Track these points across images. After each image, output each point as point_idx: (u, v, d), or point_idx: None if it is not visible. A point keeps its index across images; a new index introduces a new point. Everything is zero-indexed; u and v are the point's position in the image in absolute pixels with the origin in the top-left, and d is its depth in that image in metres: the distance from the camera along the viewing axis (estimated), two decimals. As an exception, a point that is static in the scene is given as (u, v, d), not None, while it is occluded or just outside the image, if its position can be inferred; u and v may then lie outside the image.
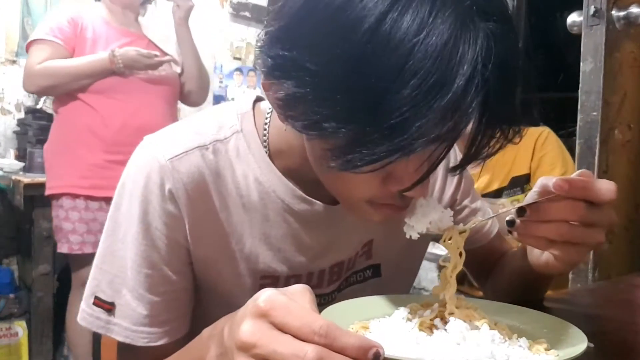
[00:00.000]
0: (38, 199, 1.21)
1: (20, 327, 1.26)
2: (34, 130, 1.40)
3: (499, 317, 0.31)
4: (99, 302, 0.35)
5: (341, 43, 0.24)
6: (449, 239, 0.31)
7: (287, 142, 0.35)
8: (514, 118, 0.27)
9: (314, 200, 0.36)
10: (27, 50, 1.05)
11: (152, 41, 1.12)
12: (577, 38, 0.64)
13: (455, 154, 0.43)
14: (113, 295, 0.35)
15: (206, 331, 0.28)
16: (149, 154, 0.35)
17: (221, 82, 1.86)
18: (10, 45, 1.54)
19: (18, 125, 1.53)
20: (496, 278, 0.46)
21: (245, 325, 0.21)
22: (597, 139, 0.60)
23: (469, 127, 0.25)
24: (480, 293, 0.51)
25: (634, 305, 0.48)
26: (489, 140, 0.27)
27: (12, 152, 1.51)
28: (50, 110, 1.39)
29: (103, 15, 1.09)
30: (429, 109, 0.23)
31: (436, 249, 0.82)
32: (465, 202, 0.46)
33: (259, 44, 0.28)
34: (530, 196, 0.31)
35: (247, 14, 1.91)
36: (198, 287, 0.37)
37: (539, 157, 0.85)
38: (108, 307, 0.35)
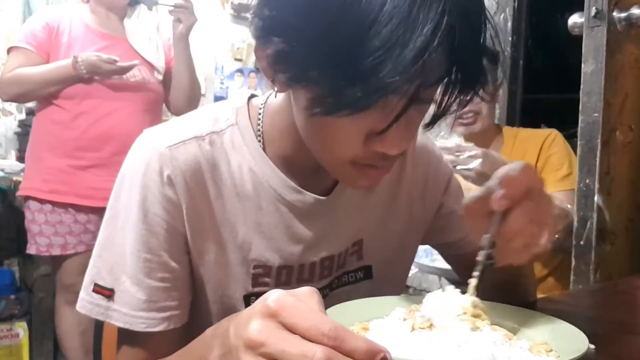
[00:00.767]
0: (39, 200, 1.21)
1: (21, 328, 1.26)
2: (35, 131, 1.40)
3: (500, 318, 0.31)
4: (98, 289, 0.35)
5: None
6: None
7: (279, 128, 0.37)
8: (481, 69, 0.29)
9: (305, 191, 0.37)
10: (8, 53, 1.06)
11: (133, 46, 1.07)
12: (579, 39, 0.64)
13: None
14: (112, 282, 0.35)
15: (209, 331, 0.28)
16: (148, 143, 0.36)
17: (222, 83, 1.86)
18: (20, 38, 1.55)
19: (19, 126, 1.53)
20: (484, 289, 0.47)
21: (254, 324, 0.21)
22: (599, 140, 0.60)
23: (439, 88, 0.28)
24: None
25: (635, 307, 0.48)
26: (460, 92, 0.29)
27: (13, 153, 1.51)
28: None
29: (84, 18, 1.06)
30: (401, 53, 0.25)
31: (439, 262, 0.82)
32: (453, 207, 0.46)
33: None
34: (471, 196, 0.32)
35: (248, 15, 1.91)
36: (194, 276, 0.37)
37: (546, 157, 0.85)
38: (108, 294, 0.35)
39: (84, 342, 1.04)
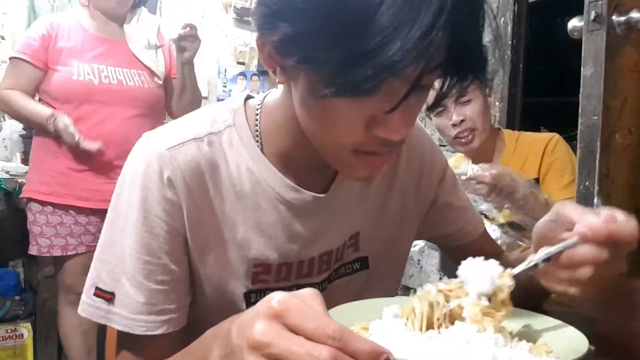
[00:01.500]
0: (44, 202, 1.22)
1: (25, 329, 1.27)
2: (39, 134, 1.41)
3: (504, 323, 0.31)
4: (99, 293, 0.36)
5: None
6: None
7: (277, 124, 0.37)
8: (480, 53, 0.30)
9: (302, 189, 0.38)
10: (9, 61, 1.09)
11: (132, 51, 1.08)
12: (579, 43, 0.64)
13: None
14: (113, 285, 0.35)
15: (210, 332, 0.28)
16: (148, 146, 0.36)
17: (225, 86, 1.87)
18: (17, 48, 1.56)
19: (24, 129, 1.55)
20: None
21: (258, 324, 0.21)
22: (598, 143, 0.60)
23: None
24: None
25: (635, 308, 0.49)
26: (460, 75, 0.30)
27: (18, 156, 1.53)
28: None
29: (83, 23, 1.07)
30: (409, 32, 0.26)
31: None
32: (449, 199, 0.46)
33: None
34: (543, 223, 0.31)
35: (250, 19, 1.92)
36: (193, 276, 0.38)
37: (548, 163, 0.84)
38: (108, 297, 0.35)
39: (86, 343, 1.05)
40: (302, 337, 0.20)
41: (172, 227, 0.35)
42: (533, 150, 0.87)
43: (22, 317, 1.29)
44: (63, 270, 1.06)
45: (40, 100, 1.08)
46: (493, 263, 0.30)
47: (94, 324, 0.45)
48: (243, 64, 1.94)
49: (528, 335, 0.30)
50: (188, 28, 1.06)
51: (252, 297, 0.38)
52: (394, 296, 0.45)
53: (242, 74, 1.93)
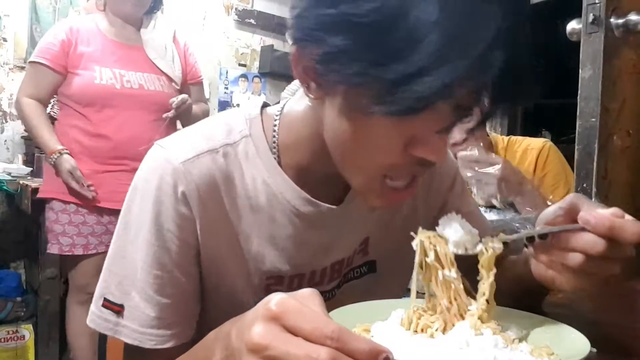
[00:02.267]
0: (45, 204, 1.23)
1: (26, 331, 1.27)
2: (41, 136, 1.42)
3: (501, 321, 0.31)
4: (108, 304, 0.35)
5: None
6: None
7: (297, 137, 0.37)
8: (533, 76, 0.29)
9: (319, 202, 0.38)
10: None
11: (149, 57, 1.11)
12: (577, 45, 0.64)
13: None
14: (122, 297, 0.35)
15: (211, 334, 0.28)
16: (162, 157, 0.36)
17: (226, 88, 1.88)
18: (19, 52, 1.57)
19: (26, 130, 1.55)
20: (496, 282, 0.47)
21: (257, 327, 0.21)
22: (596, 145, 0.60)
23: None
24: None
25: (636, 310, 0.49)
26: (510, 98, 0.29)
27: (20, 157, 1.53)
28: (57, 116, 1.41)
29: (101, 28, 1.09)
30: (463, 54, 0.26)
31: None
32: (458, 205, 0.45)
33: (294, 13, 0.30)
34: (553, 210, 0.31)
35: (252, 21, 1.93)
36: (203, 287, 0.38)
37: (541, 176, 0.84)
38: (117, 309, 0.35)
39: (92, 343, 1.06)
40: (300, 338, 0.20)
41: (185, 241, 0.35)
42: (525, 160, 0.86)
43: (24, 318, 1.29)
44: (76, 269, 1.07)
45: (59, 102, 1.11)
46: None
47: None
48: (244, 65, 1.95)
49: (529, 337, 0.30)
50: (173, 109, 1.11)
51: None
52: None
53: (244, 75, 1.94)
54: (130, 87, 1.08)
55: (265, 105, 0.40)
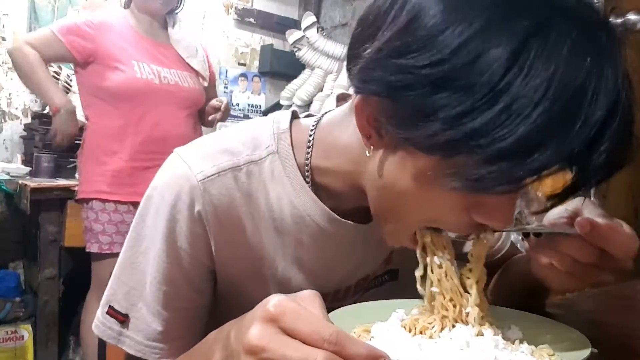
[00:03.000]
0: (44, 204, 1.22)
1: (25, 331, 1.27)
2: (40, 135, 1.41)
3: (501, 322, 0.31)
4: (112, 312, 0.35)
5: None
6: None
7: (334, 168, 0.34)
8: (628, 152, 0.25)
9: (348, 222, 0.35)
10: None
11: (182, 56, 1.14)
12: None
13: None
14: (128, 308, 0.35)
15: (211, 335, 0.28)
16: (180, 172, 0.34)
17: (226, 87, 1.87)
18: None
19: (25, 130, 1.55)
20: (497, 280, 0.46)
21: (254, 329, 0.21)
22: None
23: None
24: None
25: (636, 311, 0.49)
26: (602, 175, 0.25)
27: (18, 157, 1.52)
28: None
29: (132, 24, 1.11)
30: (558, 143, 0.23)
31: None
32: None
33: (361, 63, 0.26)
34: (558, 211, 0.30)
35: (252, 20, 1.93)
36: (219, 304, 0.37)
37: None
38: (121, 319, 0.35)
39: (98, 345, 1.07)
40: (298, 340, 0.20)
41: (198, 259, 0.34)
42: None
43: (23, 318, 1.29)
44: (100, 264, 1.08)
45: (90, 99, 1.10)
46: None
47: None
48: (244, 65, 1.94)
49: (529, 338, 0.30)
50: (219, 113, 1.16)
51: None
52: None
53: (243, 75, 1.93)
54: (167, 83, 1.10)
55: (295, 115, 0.37)
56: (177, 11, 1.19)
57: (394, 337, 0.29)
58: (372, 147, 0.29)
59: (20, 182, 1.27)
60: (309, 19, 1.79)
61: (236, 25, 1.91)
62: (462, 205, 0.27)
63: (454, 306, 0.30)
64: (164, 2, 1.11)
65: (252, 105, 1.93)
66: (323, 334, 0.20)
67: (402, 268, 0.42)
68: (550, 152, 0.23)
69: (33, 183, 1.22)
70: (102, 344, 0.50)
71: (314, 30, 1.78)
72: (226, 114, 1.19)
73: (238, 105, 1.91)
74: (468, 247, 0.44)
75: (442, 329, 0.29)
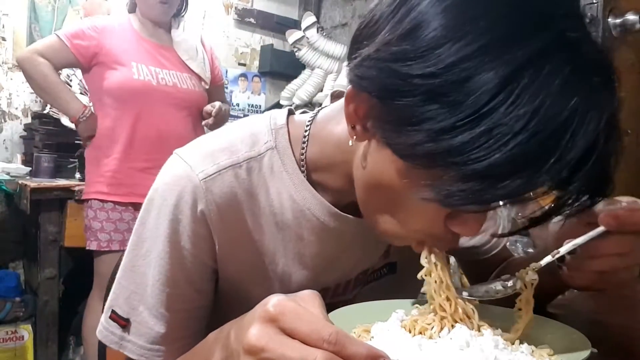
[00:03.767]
0: (44, 204, 1.22)
1: (25, 331, 1.27)
2: (40, 135, 1.41)
3: (501, 322, 0.31)
4: (115, 317, 0.35)
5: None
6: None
7: (328, 161, 0.34)
8: (608, 183, 0.26)
9: (348, 215, 0.35)
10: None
11: (182, 58, 1.16)
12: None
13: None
14: (129, 312, 0.35)
15: (212, 335, 0.28)
16: (182, 172, 0.34)
17: (226, 87, 1.87)
18: (17, 52, 1.57)
19: (25, 130, 1.55)
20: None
21: (253, 329, 0.21)
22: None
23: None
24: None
25: (637, 310, 0.49)
26: (575, 201, 0.25)
27: (18, 157, 1.52)
28: (57, 116, 1.41)
29: (135, 27, 1.13)
30: (540, 169, 0.23)
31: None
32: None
33: (358, 59, 0.26)
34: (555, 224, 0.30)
35: (252, 20, 1.93)
36: (220, 303, 0.37)
37: None
38: (123, 323, 0.35)
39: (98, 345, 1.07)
40: (297, 340, 0.20)
41: (200, 259, 0.34)
42: None
43: (23, 318, 1.29)
44: (101, 261, 1.09)
45: (95, 98, 1.12)
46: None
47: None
48: (244, 65, 1.95)
49: (529, 338, 0.30)
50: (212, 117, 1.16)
51: None
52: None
53: (243, 75, 1.93)
54: (165, 84, 1.10)
55: (291, 112, 0.37)
56: (182, 14, 1.20)
57: (394, 337, 0.29)
58: (354, 137, 0.29)
59: (20, 182, 1.27)
60: (309, 19, 1.79)
61: (236, 25, 1.91)
62: (440, 214, 0.28)
63: (448, 300, 0.30)
64: (165, 9, 1.13)
65: (252, 105, 1.93)
66: (322, 333, 0.20)
67: (400, 261, 0.42)
68: (520, 183, 0.23)
69: (33, 183, 1.22)
70: (102, 344, 0.50)
71: (314, 30, 1.78)
72: (219, 119, 1.17)
73: (238, 105, 1.91)
74: (464, 241, 0.45)
75: (441, 329, 0.29)
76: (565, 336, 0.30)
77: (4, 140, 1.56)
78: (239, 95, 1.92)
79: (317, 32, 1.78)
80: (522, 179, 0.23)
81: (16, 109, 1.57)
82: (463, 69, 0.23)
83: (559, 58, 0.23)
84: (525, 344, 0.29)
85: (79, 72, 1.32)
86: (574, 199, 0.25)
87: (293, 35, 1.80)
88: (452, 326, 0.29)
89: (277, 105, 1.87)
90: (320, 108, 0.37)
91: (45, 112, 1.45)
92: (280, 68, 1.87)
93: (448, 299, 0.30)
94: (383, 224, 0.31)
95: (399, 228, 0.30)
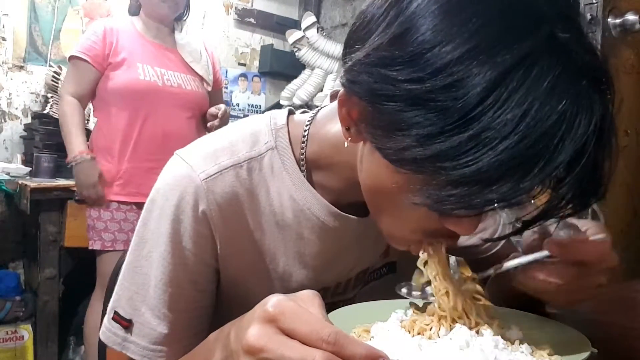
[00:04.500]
0: (44, 204, 1.22)
1: (25, 331, 1.27)
2: (40, 135, 1.41)
3: (501, 321, 0.31)
4: (117, 318, 0.35)
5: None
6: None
7: (327, 161, 0.34)
8: (600, 187, 0.25)
9: (348, 215, 0.36)
10: (68, 61, 1.14)
11: (186, 60, 1.17)
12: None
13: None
14: (131, 313, 0.35)
15: (212, 335, 0.28)
16: (182, 172, 0.34)
17: (226, 87, 1.87)
18: (17, 52, 1.57)
19: (25, 130, 1.55)
20: (497, 282, 0.46)
21: (253, 329, 0.21)
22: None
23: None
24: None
25: (636, 311, 0.49)
26: (567, 205, 0.25)
27: (18, 157, 1.52)
28: (57, 116, 1.41)
29: (138, 29, 1.14)
30: (529, 173, 0.22)
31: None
32: None
33: (358, 65, 0.26)
34: (528, 235, 0.30)
35: (252, 20, 1.93)
36: (222, 303, 0.37)
37: None
38: (125, 324, 0.35)
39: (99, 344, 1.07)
40: (296, 341, 0.20)
41: (202, 259, 0.34)
42: None
43: (23, 318, 1.29)
44: (103, 260, 1.10)
45: (98, 103, 1.13)
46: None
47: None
48: (244, 65, 1.95)
49: (529, 338, 0.30)
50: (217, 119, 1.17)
51: None
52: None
53: (243, 75, 1.93)
54: (170, 85, 1.12)
55: (291, 112, 0.37)
56: (184, 18, 1.22)
57: (394, 337, 0.29)
58: (349, 139, 0.29)
59: (20, 182, 1.27)
60: (309, 19, 1.79)
61: (236, 25, 1.91)
62: (434, 214, 0.27)
63: (447, 295, 0.30)
64: (171, 7, 1.13)
65: (252, 106, 1.93)
66: (321, 334, 0.20)
67: (399, 260, 0.42)
68: (509, 187, 0.23)
69: (33, 183, 1.22)
70: (102, 344, 0.50)
71: (314, 30, 1.78)
72: (224, 121, 1.20)
73: (238, 105, 1.91)
74: (463, 240, 0.45)
75: (439, 328, 0.29)
76: (565, 336, 0.30)
77: (4, 140, 1.56)
78: (239, 95, 1.92)
79: (317, 32, 1.78)
80: (511, 183, 0.23)
81: (16, 109, 1.57)
82: (450, 74, 0.23)
83: (548, 61, 0.23)
84: (526, 344, 0.29)
85: None
86: (565, 202, 0.24)
87: (293, 35, 1.80)
88: (451, 326, 0.29)
89: (277, 105, 1.87)
90: (320, 107, 0.37)
91: (45, 112, 1.46)
92: (280, 68, 1.87)
93: (447, 293, 0.30)
94: (384, 225, 0.31)
95: (397, 229, 0.30)
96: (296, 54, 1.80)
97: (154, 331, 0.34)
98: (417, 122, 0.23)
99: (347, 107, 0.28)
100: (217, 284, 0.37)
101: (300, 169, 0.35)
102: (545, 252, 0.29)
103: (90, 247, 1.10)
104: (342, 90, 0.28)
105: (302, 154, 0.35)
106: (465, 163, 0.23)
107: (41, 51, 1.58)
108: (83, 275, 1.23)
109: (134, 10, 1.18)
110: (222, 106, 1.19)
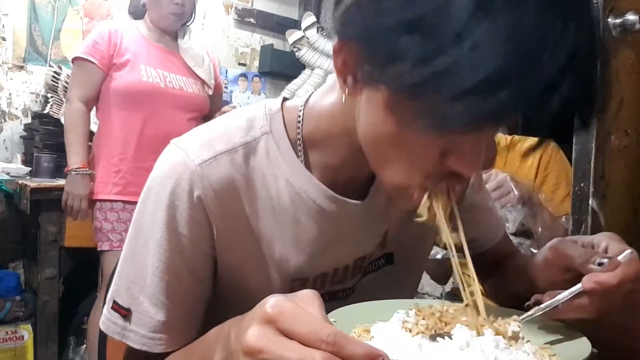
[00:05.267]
0: (44, 204, 1.22)
1: (25, 331, 1.27)
2: (40, 135, 1.41)
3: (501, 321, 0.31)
4: (116, 307, 0.35)
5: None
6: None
7: (325, 133, 0.34)
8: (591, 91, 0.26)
9: (344, 199, 0.36)
10: (72, 62, 1.14)
11: (188, 64, 1.18)
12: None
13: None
14: (130, 302, 0.35)
15: (213, 332, 0.28)
16: (178, 159, 0.34)
17: (226, 87, 1.87)
18: (17, 52, 1.57)
19: (25, 130, 1.55)
20: (499, 276, 0.46)
21: (252, 330, 0.21)
22: (593, 144, 0.60)
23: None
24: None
25: (637, 311, 0.49)
26: (565, 107, 0.25)
27: (18, 157, 1.52)
28: (57, 116, 1.41)
29: (143, 33, 1.16)
30: (524, 82, 0.23)
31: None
32: (477, 200, 0.44)
33: (343, 4, 0.27)
34: (542, 263, 0.32)
35: (252, 20, 1.93)
36: (219, 292, 0.37)
37: (543, 175, 0.83)
38: (124, 313, 0.35)
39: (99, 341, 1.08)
40: (295, 341, 0.20)
41: (199, 246, 0.34)
42: (526, 158, 0.85)
43: (23, 318, 1.29)
44: (109, 262, 1.11)
45: (101, 104, 1.14)
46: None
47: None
48: (244, 65, 1.94)
49: (530, 338, 0.30)
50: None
51: None
52: (412, 295, 0.45)
53: (243, 75, 1.93)
54: (172, 88, 1.14)
55: (284, 99, 0.37)
56: (188, 23, 1.23)
57: (394, 337, 0.29)
58: (346, 92, 0.30)
59: (20, 182, 1.27)
60: (309, 19, 1.79)
61: (236, 25, 1.90)
62: (436, 152, 0.28)
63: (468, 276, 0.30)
64: (177, 19, 1.15)
65: (252, 105, 1.94)
66: (321, 334, 0.20)
67: (397, 251, 0.42)
68: (508, 95, 0.23)
69: (33, 183, 1.22)
70: (102, 342, 0.50)
71: (314, 30, 1.78)
72: None
73: (239, 105, 1.91)
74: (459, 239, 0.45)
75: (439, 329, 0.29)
76: (565, 336, 0.30)
77: (4, 140, 1.56)
78: (239, 95, 1.92)
79: (317, 32, 1.78)
80: (509, 92, 0.23)
81: (16, 109, 1.57)
82: None
83: None
84: (528, 344, 0.29)
85: None
86: (563, 104, 0.24)
87: (293, 35, 1.80)
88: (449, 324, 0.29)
89: (277, 105, 1.86)
90: (312, 92, 0.37)
91: (45, 112, 1.45)
92: (280, 68, 1.87)
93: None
94: (388, 176, 0.31)
95: (400, 175, 0.30)
96: (296, 54, 1.80)
97: (153, 319, 0.34)
98: (413, 47, 0.24)
99: (343, 55, 0.29)
100: (215, 274, 0.37)
101: (296, 153, 0.35)
102: (578, 286, 0.30)
103: (98, 249, 1.11)
104: (336, 41, 0.29)
105: (298, 136, 0.35)
106: (464, 77, 0.23)
107: (41, 51, 1.58)
108: (83, 275, 1.23)
109: (139, 14, 1.19)
110: (231, 106, 1.24)
